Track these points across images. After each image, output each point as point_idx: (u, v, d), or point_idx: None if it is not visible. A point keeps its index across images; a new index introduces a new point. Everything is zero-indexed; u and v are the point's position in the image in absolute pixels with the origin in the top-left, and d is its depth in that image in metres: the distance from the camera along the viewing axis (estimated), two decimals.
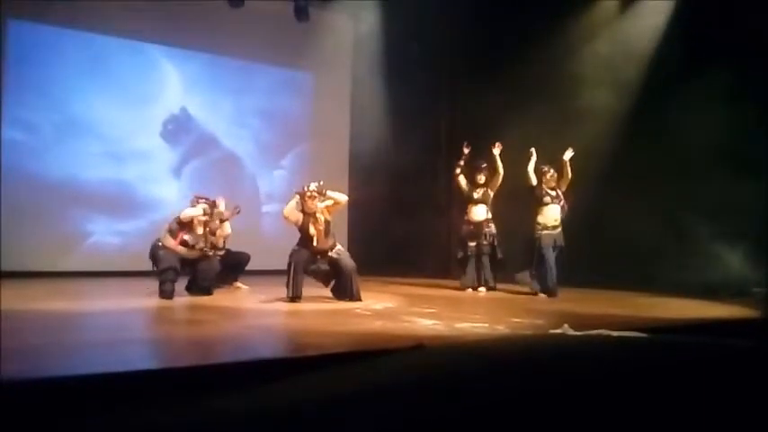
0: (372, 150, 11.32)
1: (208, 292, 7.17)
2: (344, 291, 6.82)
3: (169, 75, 11.00)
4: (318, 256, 6.84)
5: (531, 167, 8.08)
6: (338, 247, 6.95)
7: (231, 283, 8.24)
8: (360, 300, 6.73)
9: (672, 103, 8.41)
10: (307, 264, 6.80)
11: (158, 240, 7.15)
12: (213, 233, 7.48)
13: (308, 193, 6.74)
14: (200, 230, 7.13)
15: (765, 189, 7.40)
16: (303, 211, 6.79)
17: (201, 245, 7.16)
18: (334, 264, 6.84)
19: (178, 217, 7.13)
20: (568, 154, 7.99)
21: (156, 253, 7.10)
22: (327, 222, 6.84)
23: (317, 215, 6.76)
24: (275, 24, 10.96)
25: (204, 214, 7.18)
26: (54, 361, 3.45)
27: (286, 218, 6.91)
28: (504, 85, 9.84)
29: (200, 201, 7.33)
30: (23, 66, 9.62)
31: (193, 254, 7.10)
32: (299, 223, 6.80)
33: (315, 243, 6.74)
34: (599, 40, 9.54)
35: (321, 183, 6.86)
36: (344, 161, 11.88)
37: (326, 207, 6.86)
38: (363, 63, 11.89)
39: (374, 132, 11.48)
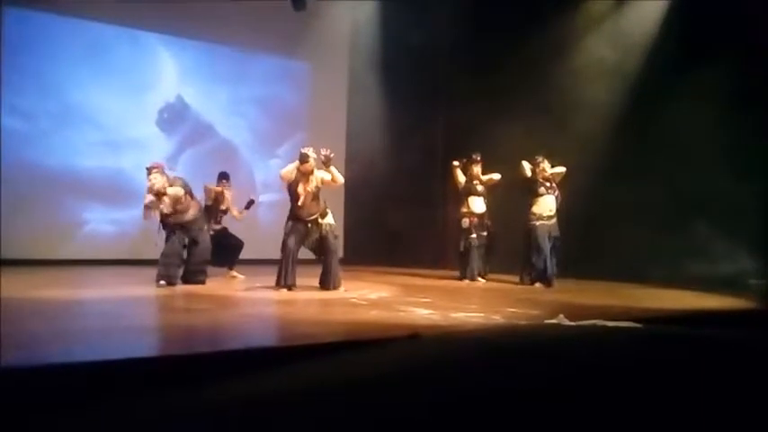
0: (369, 140, 11.31)
1: (201, 281, 7.16)
2: (326, 279, 6.85)
3: (165, 63, 10.96)
4: (309, 225, 6.83)
5: (525, 161, 8.10)
6: (329, 218, 6.94)
7: (228, 269, 8.25)
8: (339, 288, 6.77)
9: (669, 97, 8.39)
10: (302, 240, 6.83)
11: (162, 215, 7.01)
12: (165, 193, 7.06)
13: (310, 161, 6.75)
14: (167, 199, 6.94)
15: (764, 181, 7.40)
16: (298, 169, 6.81)
17: (179, 204, 7.03)
18: (323, 240, 6.85)
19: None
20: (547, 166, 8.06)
21: (163, 229, 7.05)
22: (317, 188, 6.83)
23: (310, 177, 6.77)
24: (272, 13, 10.92)
25: (154, 190, 6.91)
26: (51, 348, 3.44)
27: (281, 177, 6.96)
28: (500, 79, 9.84)
29: (153, 170, 6.99)
30: (20, 54, 9.59)
31: (188, 217, 7.05)
32: (290, 180, 6.82)
33: (300, 204, 6.73)
34: (596, 35, 9.55)
35: (332, 154, 6.84)
36: (341, 151, 11.82)
37: (322, 178, 6.85)
38: (360, 53, 11.88)
39: (371, 122, 11.48)
